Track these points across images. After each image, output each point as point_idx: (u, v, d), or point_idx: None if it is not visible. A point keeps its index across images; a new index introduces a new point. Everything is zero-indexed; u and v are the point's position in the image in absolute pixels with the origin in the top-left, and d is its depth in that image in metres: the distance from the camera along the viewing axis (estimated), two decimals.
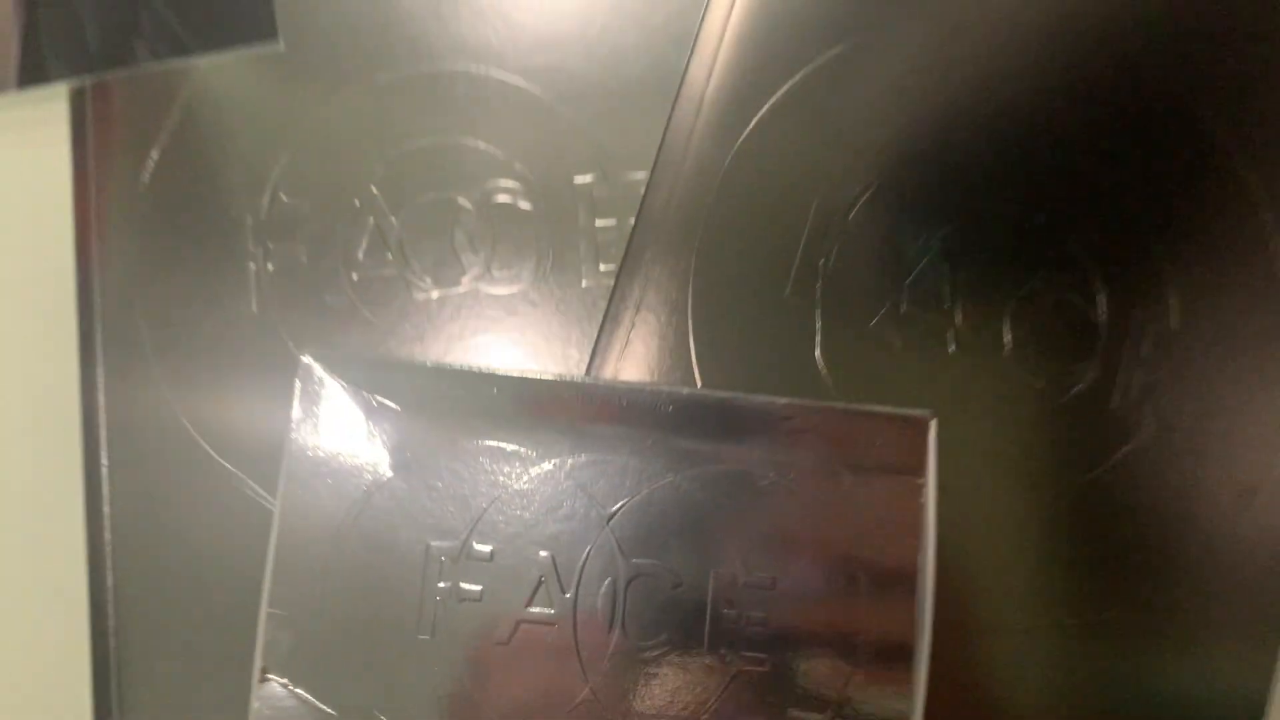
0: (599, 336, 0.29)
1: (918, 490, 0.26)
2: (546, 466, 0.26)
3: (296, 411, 0.26)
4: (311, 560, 0.26)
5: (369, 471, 0.26)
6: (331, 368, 0.26)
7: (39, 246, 0.30)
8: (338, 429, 0.26)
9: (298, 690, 0.25)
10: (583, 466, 0.26)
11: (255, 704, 0.25)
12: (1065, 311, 0.29)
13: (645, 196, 0.29)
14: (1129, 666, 0.28)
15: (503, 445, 0.26)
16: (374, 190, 0.29)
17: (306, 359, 0.26)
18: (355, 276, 0.29)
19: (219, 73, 0.30)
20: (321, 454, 0.26)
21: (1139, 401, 0.29)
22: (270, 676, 0.25)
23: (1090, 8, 0.30)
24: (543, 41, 0.30)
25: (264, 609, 0.25)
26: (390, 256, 0.29)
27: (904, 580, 0.25)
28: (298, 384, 0.26)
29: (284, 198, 0.29)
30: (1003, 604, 0.28)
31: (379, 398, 0.26)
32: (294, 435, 0.26)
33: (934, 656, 0.26)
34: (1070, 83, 0.29)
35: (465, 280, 0.29)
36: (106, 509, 0.28)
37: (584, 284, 0.29)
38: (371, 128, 0.29)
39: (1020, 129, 0.29)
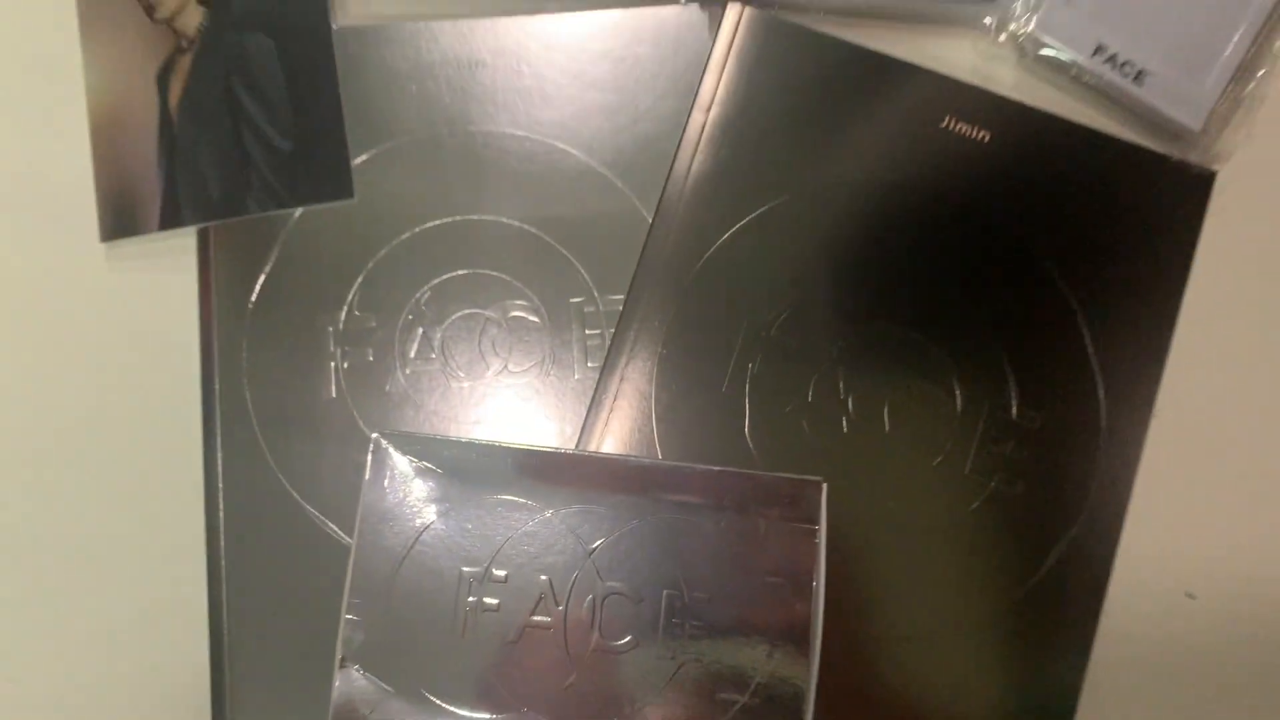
0: (586, 418, 0.39)
1: (814, 534, 0.36)
2: (546, 514, 0.36)
3: (367, 473, 0.36)
4: (377, 581, 0.36)
5: (419, 517, 0.36)
6: (392, 441, 0.37)
7: (171, 349, 0.40)
8: (396, 486, 0.36)
9: (367, 674, 0.35)
10: (572, 514, 0.36)
11: (336, 683, 0.35)
12: (931, 403, 0.39)
13: (622, 315, 0.39)
14: (979, 667, 0.38)
15: (514, 499, 0.36)
16: (422, 307, 0.40)
17: (375, 435, 0.37)
18: (408, 371, 0.40)
19: (309, 219, 0.40)
20: (385, 505, 0.36)
21: (986, 469, 0.39)
22: (347, 664, 0.35)
23: (952, 176, 0.40)
24: (545, 199, 0.40)
25: (343, 615, 0.35)
26: (434, 356, 0.40)
27: (803, 599, 0.35)
28: (369, 454, 0.36)
29: (356, 313, 0.40)
30: (885, 616, 0.38)
31: (426, 464, 0.37)
32: (365, 491, 0.36)
33: (827, 656, 0.36)
34: (939, 231, 0.40)
35: (489, 374, 0.40)
36: (223, 543, 0.38)
37: (576, 377, 0.40)
38: (420, 261, 0.40)
39: (899, 266, 0.40)
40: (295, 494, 0.38)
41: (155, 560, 0.39)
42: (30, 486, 0.40)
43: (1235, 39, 0.41)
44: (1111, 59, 0.41)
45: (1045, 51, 0.41)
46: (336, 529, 0.38)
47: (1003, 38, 0.42)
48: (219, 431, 0.39)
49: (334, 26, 0.41)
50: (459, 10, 0.42)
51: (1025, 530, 0.39)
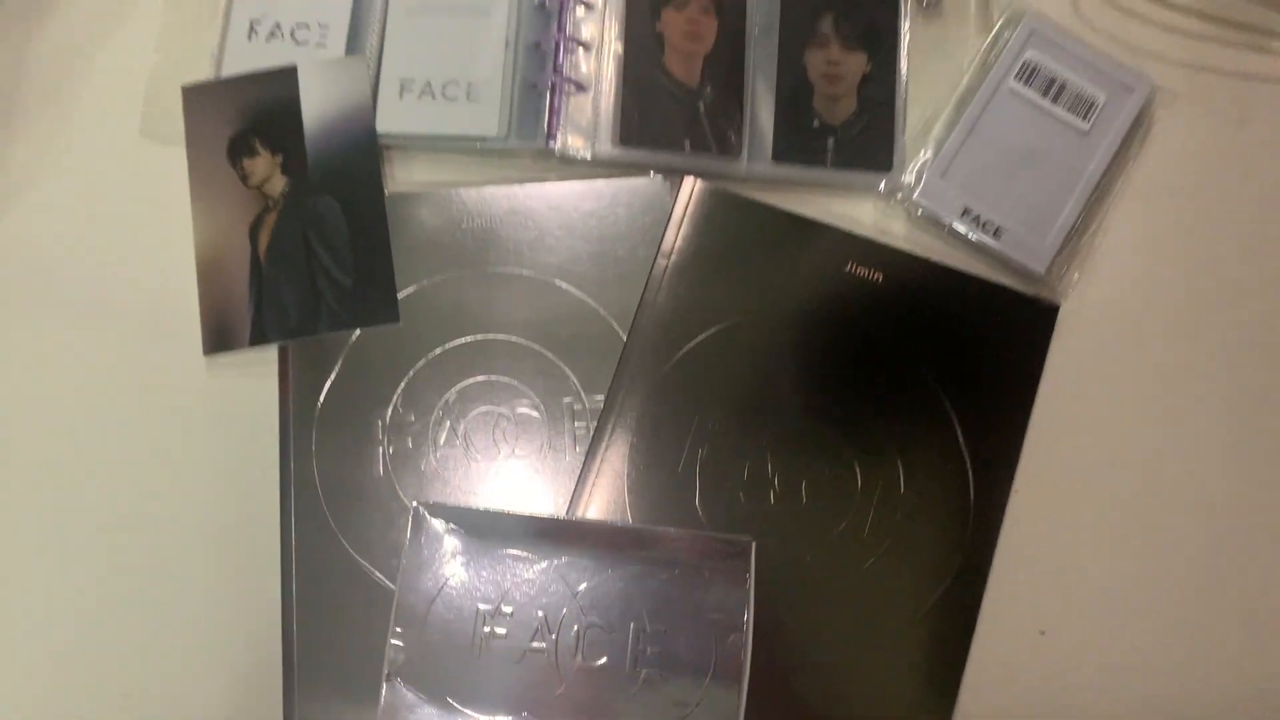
0: (575, 491, 0.51)
1: (745, 581, 0.48)
2: (542, 565, 0.48)
3: (408, 534, 0.48)
4: (415, 615, 0.47)
5: (446, 567, 0.48)
6: (427, 509, 0.49)
7: (257, 439, 0.52)
8: (430, 544, 0.48)
9: (406, 685, 0.46)
10: (563, 565, 0.47)
11: (384, 692, 0.46)
12: (837, 481, 0.51)
13: (602, 412, 0.52)
14: (873, 690, 0.49)
15: (519, 553, 0.48)
16: (449, 405, 0.52)
17: (414, 504, 0.49)
18: (438, 455, 0.52)
19: (365, 338, 0.53)
20: (420, 558, 0.48)
21: (880, 533, 0.51)
22: (392, 677, 0.46)
23: (854, 309, 0.53)
24: (545, 322, 0.53)
25: (389, 641, 0.47)
26: (458, 443, 0.52)
27: (737, 631, 0.47)
28: (410, 519, 0.48)
29: (400, 410, 0.52)
30: (800, 646, 0.49)
31: (452, 526, 0.48)
32: (406, 548, 0.48)
33: (755, 676, 0.47)
34: (845, 350, 0.52)
35: (500, 457, 0.52)
36: (295, 588, 0.50)
37: (567, 460, 0.52)
38: (449, 370, 0.52)
39: (815, 376, 0.52)
40: (351, 550, 0.50)
41: (242, 602, 0.51)
42: (144, 553, 0.52)
43: (1069, 205, 0.54)
44: (975, 219, 0.54)
45: (926, 212, 0.54)
46: (383, 577, 0.50)
47: (895, 200, 0.55)
48: (293, 502, 0.51)
49: (386, 193, 0.54)
50: (481, 179, 0.55)
51: (910, 581, 0.50)
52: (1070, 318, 0.54)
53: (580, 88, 0.55)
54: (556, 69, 0.55)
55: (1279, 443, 0.53)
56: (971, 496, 0.51)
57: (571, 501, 0.51)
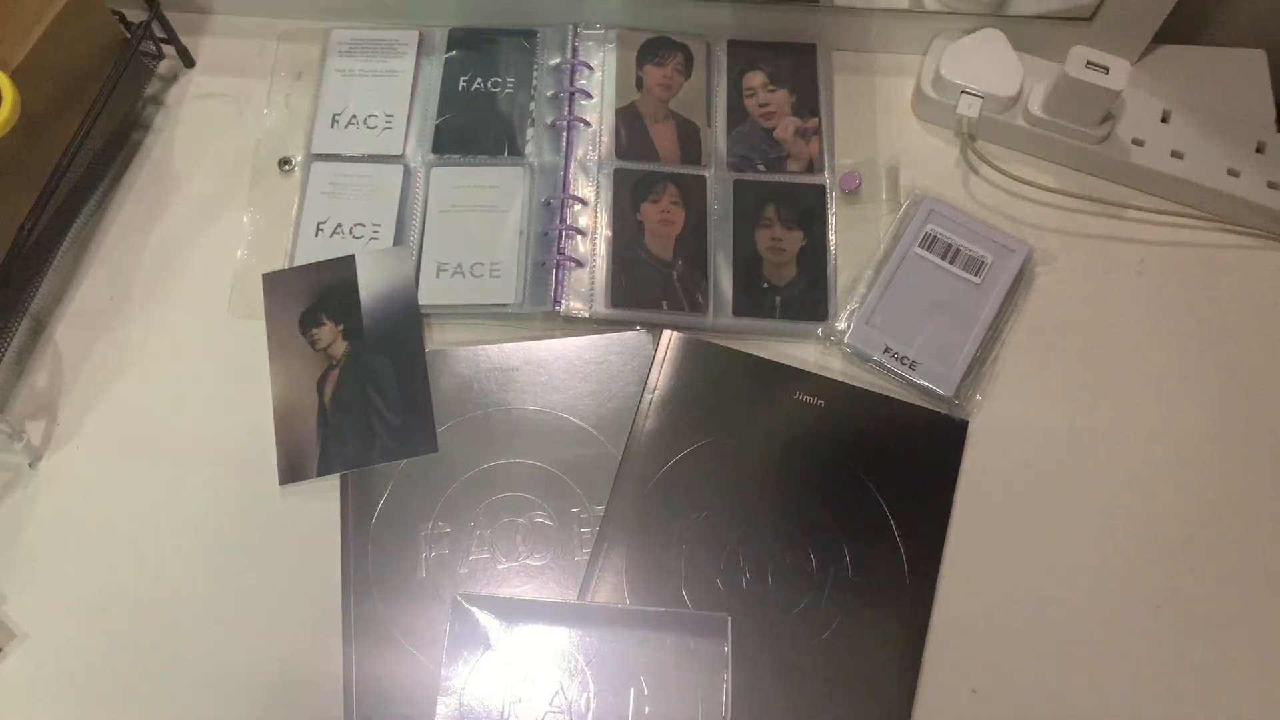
0: (583, 582, 0.62)
1: (723, 649, 0.59)
2: (558, 641, 0.59)
3: (450, 623, 0.59)
4: (457, 688, 0.58)
5: (482, 645, 0.59)
6: (465, 600, 0.60)
7: (323, 552, 0.64)
8: (467, 630, 0.59)
9: None
10: (576, 638, 0.59)
11: None
12: (796, 567, 0.63)
13: (603, 519, 0.64)
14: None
15: (539, 631, 0.59)
16: (479, 517, 0.64)
17: (455, 596, 0.60)
18: (470, 558, 0.63)
19: (410, 466, 0.65)
20: (459, 640, 0.59)
21: (833, 610, 0.62)
22: None
23: (803, 429, 0.66)
24: (555, 447, 0.65)
25: (436, 713, 0.57)
26: (486, 549, 0.64)
27: (718, 690, 0.58)
28: (451, 609, 0.60)
29: (438, 523, 0.64)
30: (770, 703, 0.60)
31: (486, 613, 0.60)
32: (448, 634, 0.59)
33: None
34: (797, 462, 0.65)
35: (521, 557, 0.63)
36: (354, 675, 0.61)
37: (576, 559, 0.63)
38: (478, 490, 0.65)
39: (775, 484, 0.65)
40: (402, 640, 0.61)
41: (310, 686, 0.61)
42: (228, 651, 0.62)
43: (969, 341, 0.68)
44: (895, 355, 0.68)
45: (856, 351, 0.68)
46: (428, 660, 0.61)
47: (831, 342, 0.69)
48: (353, 602, 0.62)
49: (427, 350, 0.68)
50: (501, 338, 0.69)
51: (860, 649, 0.61)
52: (977, 430, 0.67)
53: (579, 264, 0.70)
54: (560, 250, 0.70)
55: (1144, 515, 0.65)
56: (907, 579, 0.63)
57: (580, 591, 0.62)
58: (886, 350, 0.68)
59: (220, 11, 0.79)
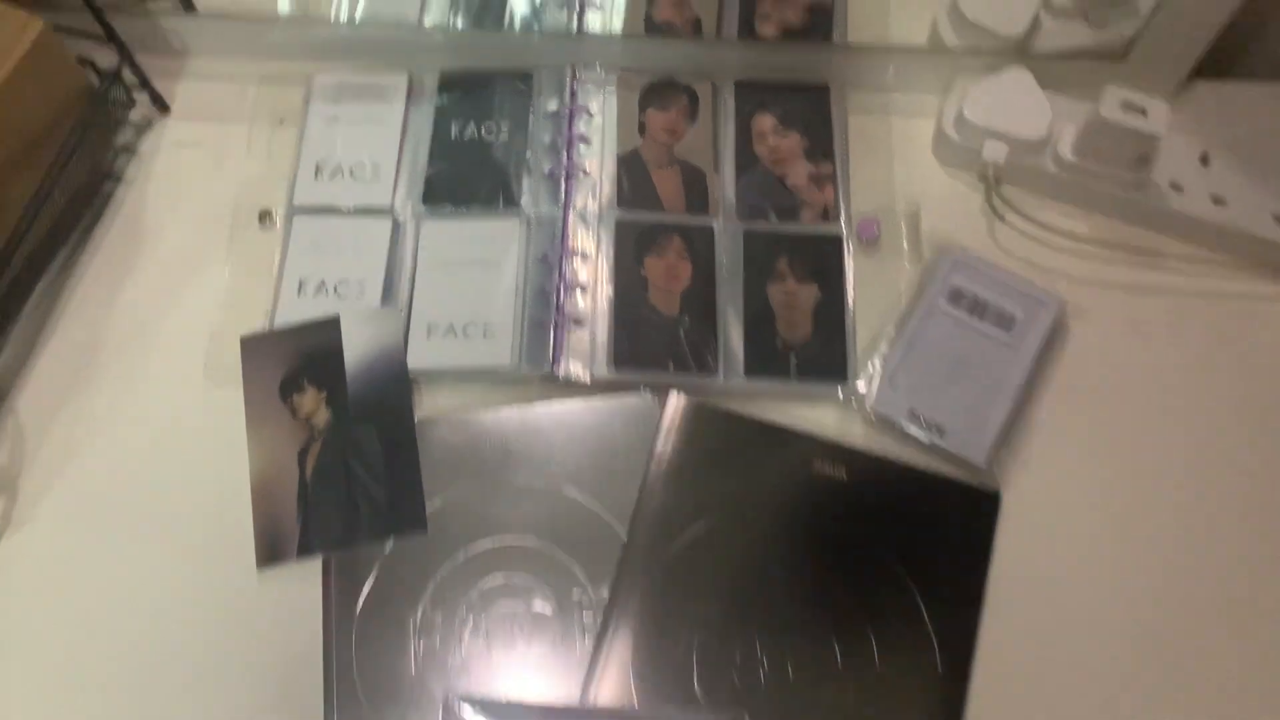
0: (586, 678, 0.57)
1: None
2: None
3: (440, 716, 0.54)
4: None
5: None
6: (456, 699, 0.55)
7: (303, 643, 0.59)
8: None
9: None
10: None
11: None
12: (818, 659, 0.57)
13: (607, 606, 0.59)
14: None
15: None
16: (473, 603, 0.59)
17: (445, 694, 0.55)
18: (463, 651, 0.58)
19: (398, 547, 0.60)
20: None
21: (859, 705, 0.57)
22: None
23: (823, 504, 0.61)
24: (555, 525, 0.60)
25: None
26: (481, 639, 0.58)
27: None
28: (440, 709, 0.54)
29: (429, 611, 0.59)
30: None
31: (478, 715, 0.55)
32: None
33: None
34: (818, 542, 0.60)
35: (518, 648, 0.58)
36: None
37: (578, 649, 0.58)
38: (471, 573, 0.60)
39: (793, 567, 0.60)
40: None
41: None
42: None
43: (1001, 405, 0.63)
44: (922, 421, 0.63)
45: (879, 416, 0.63)
46: None
47: (852, 405, 0.64)
48: (335, 697, 0.57)
49: (416, 419, 0.63)
50: (496, 402, 0.64)
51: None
52: (1011, 502, 0.62)
53: (578, 323, 0.65)
54: (558, 309, 0.66)
55: (1191, 589, 0.60)
56: (939, 669, 0.58)
57: (583, 688, 0.57)
58: (912, 415, 0.63)
59: (198, 54, 0.75)
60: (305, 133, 0.71)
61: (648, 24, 0.73)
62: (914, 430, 0.63)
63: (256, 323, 0.66)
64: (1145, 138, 0.63)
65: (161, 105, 0.73)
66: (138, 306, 0.68)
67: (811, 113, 0.72)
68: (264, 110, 0.73)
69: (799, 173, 0.70)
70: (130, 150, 0.72)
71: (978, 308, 0.65)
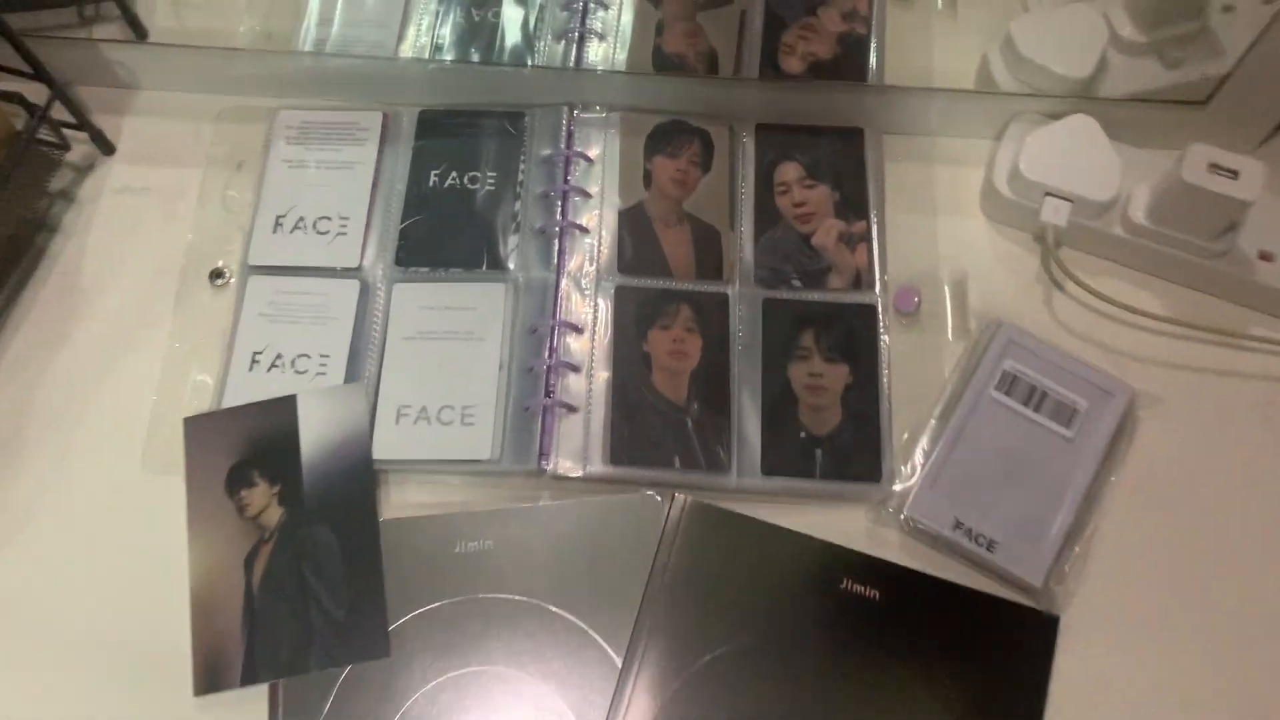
0: None
1: None
2: None
3: None
4: None
5: None
6: None
7: None
8: None
9: None
10: None
11: None
12: None
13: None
14: None
15: None
16: None
17: None
18: None
19: (356, 672, 0.52)
20: None
21: None
22: None
23: (853, 627, 0.52)
24: (533, 648, 0.52)
25: None
26: None
27: None
28: None
29: None
30: None
31: None
32: None
33: None
34: (853, 668, 0.51)
35: None
36: None
37: None
38: (440, 708, 0.51)
39: (824, 698, 0.51)
40: None
41: None
42: None
43: (1060, 513, 0.54)
44: (968, 532, 0.54)
45: (918, 525, 0.54)
46: None
47: (886, 509, 0.55)
48: None
49: (380, 519, 0.55)
50: (474, 501, 0.56)
51: None
52: (1072, 627, 0.53)
53: (571, 409, 0.57)
54: (548, 391, 0.57)
55: None
56: None
57: None
58: (957, 526, 0.54)
59: (148, 88, 0.67)
60: (265, 179, 0.63)
61: (656, 57, 0.65)
62: (960, 542, 0.54)
63: (203, 402, 0.58)
64: (1236, 204, 0.54)
65: (105, 146, 0.65)
66: (71, 377, 0.60)
67: (843, 161, 0.63)
68: (220, 151, 0.65)
69: (828, 231, 0.61)
70: (68, 197, 0.64)
71: (1034, 397, 0.56)
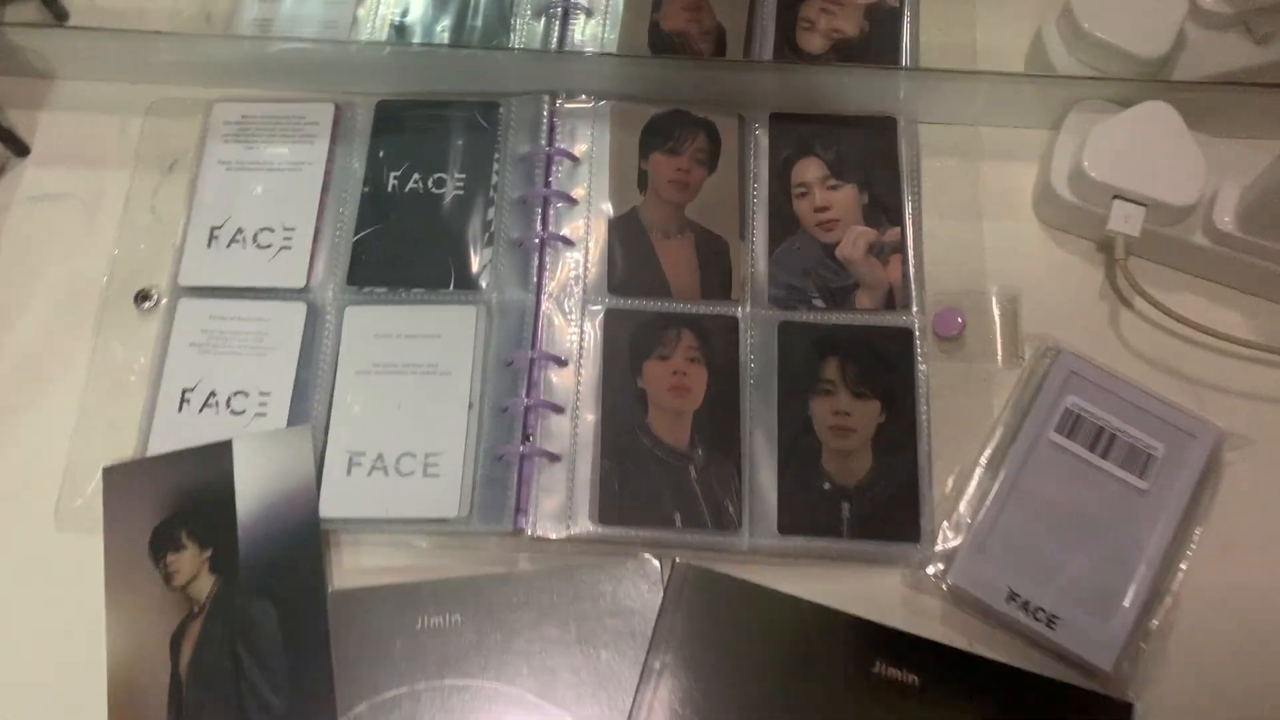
0: None
1: None
2: None
3: None
4: None
5: None
6: None
7: None
8: None
9: None
10: None
11: None
12: None
13: None
14: None
15: None
16: None
17: None
18: None
19: None
20: None
21: None
22: None
23: (891, 714, 0.44)
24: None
25: None
26: None
27: None
28: None
29: None
30: None
31: None
32: None
33: None
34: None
35: None
36: None
37: None
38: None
39: None
40: None
41: None
42: None
43: (1134, 582, 0.46)
44: (1024, 605, 0.45)
45: (964, 595, 0.46)
46: None
47: (929, 576, 0.47)
48: None
49: (329, 589, 0.47)
50: (439, 567, 0.48)
51: None
52: (1149, 716, 0.44)
53: (553, 457, 0.49)
54: (526, 436, 0.49)
55: None
56: None
57: None
58: (1012, 598, 0.46)
59: (66, 78, 0.58)
60: (198, 183, 0.54)
61: (653, 36, 0.55)
62: (1014, 616, 0.45)
63: (124, 448, 0.50)
64: None
65: (17, 146, 0.56)
66: None
67: (872, 157, 0.54)
68: (150, 150, 0.56)
69: (855, 241, 0.52)
70: None
71: (1101, 440, 0.48)
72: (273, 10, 0.57)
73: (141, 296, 0.53)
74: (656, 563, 0.47)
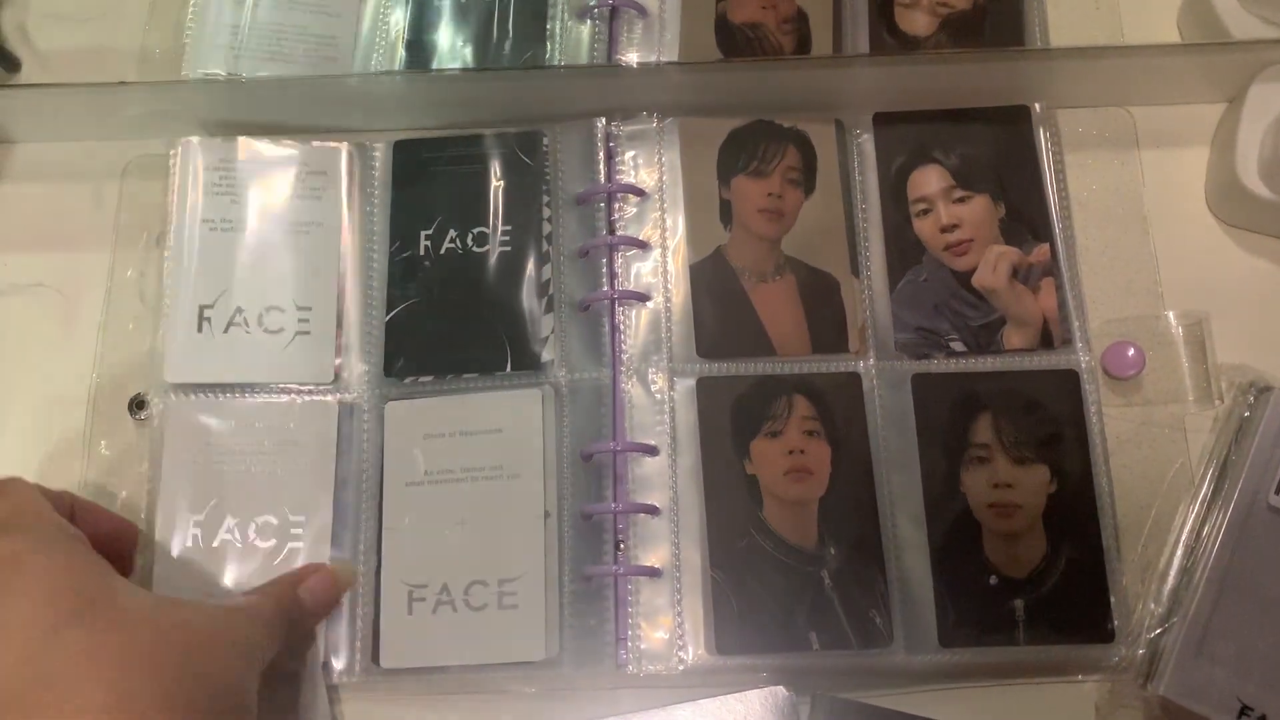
0: None
1: None
2: None
3: None
4: None
5: None
6: None
7: None
8: None
9: None
10: None
11: None
12: None
13: None
14: None
15: None
16: None
17: None
18: None
19: None
20: None
21: None
22: None
23: None
24: None
25: None
26: None
27: None
28: None
29: None
30: None
31: None
32: None
33: None
34: None
35: None
36: None
37: None
38: None
39: None
40: None
41: None
42: None
43: None
44: None
45: (1181, 709, 0.38)
46: None
47: (1129, 683, 0.39)
48: None
49: None
50: (531, 713, 0.40)
51: None
52: None
53: (653, 573, 0.41)
54: (618, 548, 0.41)
55: None
56: None
57: None
58: (1244, 713, 0.37)
59: (25, 139, 0.50)
60: (176, 248, 0.45)
61: (721, 33, 0.46)
62: None
63: None
64: None
65: None
66: None
67: (1005, 156, 0.45)
68: (133, 218, 0.48)
69: (995, 264, 0.43)
70: None
71: None
72: (238, 15, 0.48)
73: (137, 403, 0.45)
74: (790, 694, 0.39)
